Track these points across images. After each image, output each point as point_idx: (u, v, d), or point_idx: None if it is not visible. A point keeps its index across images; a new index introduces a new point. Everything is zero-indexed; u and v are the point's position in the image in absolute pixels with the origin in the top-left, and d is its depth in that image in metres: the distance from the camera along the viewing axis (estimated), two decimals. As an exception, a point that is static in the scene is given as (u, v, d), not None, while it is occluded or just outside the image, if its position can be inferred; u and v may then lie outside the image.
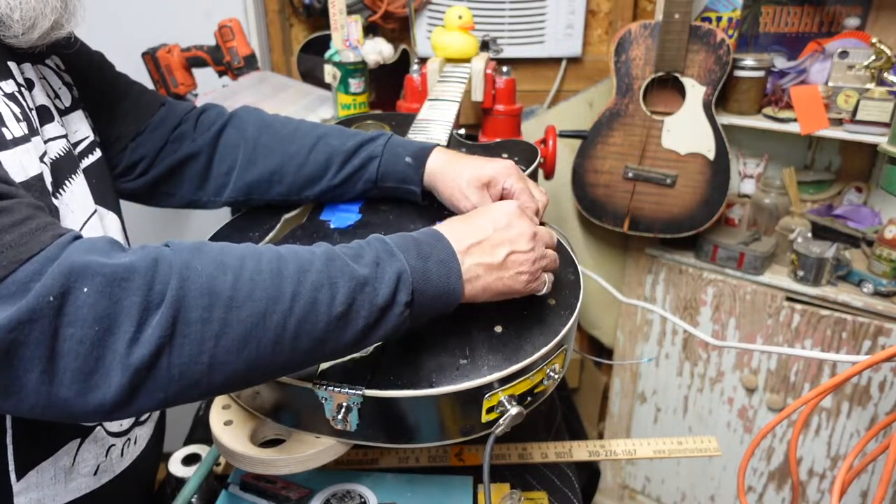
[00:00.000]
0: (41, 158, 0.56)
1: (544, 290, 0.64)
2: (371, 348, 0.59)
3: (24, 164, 0.53)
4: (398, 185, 0.77)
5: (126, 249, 0.47)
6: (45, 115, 0.61)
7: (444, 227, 0.59)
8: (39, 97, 0.61)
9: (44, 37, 0.56)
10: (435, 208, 0.78)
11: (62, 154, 0.61)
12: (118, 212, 0.73)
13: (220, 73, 1.41)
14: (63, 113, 0.66)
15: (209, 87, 1.44)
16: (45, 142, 0.59)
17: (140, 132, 0.78)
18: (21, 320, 0.40)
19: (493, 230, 0.59)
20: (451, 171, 0.73)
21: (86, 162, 0.67)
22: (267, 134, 0.80)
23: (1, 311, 0.40)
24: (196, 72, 1.44)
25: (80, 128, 0.68)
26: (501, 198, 0.72)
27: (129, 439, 0.70)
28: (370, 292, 0.51)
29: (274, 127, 0.81)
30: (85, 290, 0.42)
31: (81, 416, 0.44)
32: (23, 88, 0.58)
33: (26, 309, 0.40)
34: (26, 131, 0.55)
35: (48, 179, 0.57)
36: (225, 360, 0.46)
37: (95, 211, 0.65)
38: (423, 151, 0.76)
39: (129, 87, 0.79)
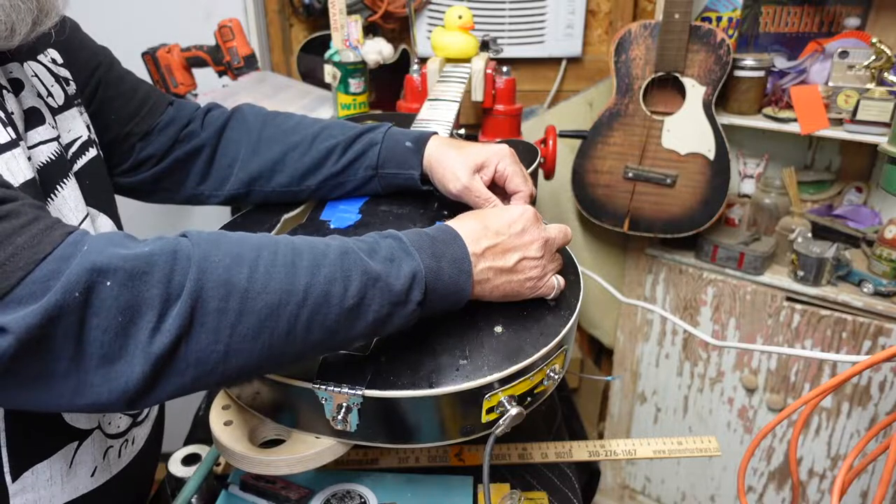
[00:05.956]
0: (28, 162, 0.55)
1: (552, 295, 0.65)
2: (371, 348, 0.59)
3: (12, 170, 0.53)
4: (399, 171, 0.78)
5: (142, 240, 0.48)
6: (35, 118, 0.60)
7: (460, 225, 0.60)
8: (29, 99, 0.60)
9: (27, 36, 0.55)
10: (435, 209, 0.78)
11: (53, 158, 0.60)
12: (113, 212, 0.72)
13: (220, 73, 1.41)
14: (56, 112, 0.64)
15: (209, 87, 1.44)
16: (32, 147, 0.58)
17: (149, 131, 0.78)
18: (51, 315, 0.42)
19: (508, 234, 0.61)
20: (446, 154, 0.75)
21: (80, 163, 0.66)
22: (271, 126, 0.81)
23: (25, 308, 0.42)
24: (196, 72, 1.44)
25: (74, 127, 0.67)
26: (494, 181, 0.74)
27: (126, 440, 0.70)
28: (382, 287, 0.52)
29: (277, 119, 0.82)
30: (108, 283, 0.43)
31: (107, 403, 0.46)
32: (6, 91, 0.57)
33: (55, 304, 0.42)
34: (13, 136, 0.54)
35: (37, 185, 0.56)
36: (240, 347, 0.47)
37: (87, 214, 0.64)
38: (423, 136, 0.78)
39: (136, 85, 0.79)
